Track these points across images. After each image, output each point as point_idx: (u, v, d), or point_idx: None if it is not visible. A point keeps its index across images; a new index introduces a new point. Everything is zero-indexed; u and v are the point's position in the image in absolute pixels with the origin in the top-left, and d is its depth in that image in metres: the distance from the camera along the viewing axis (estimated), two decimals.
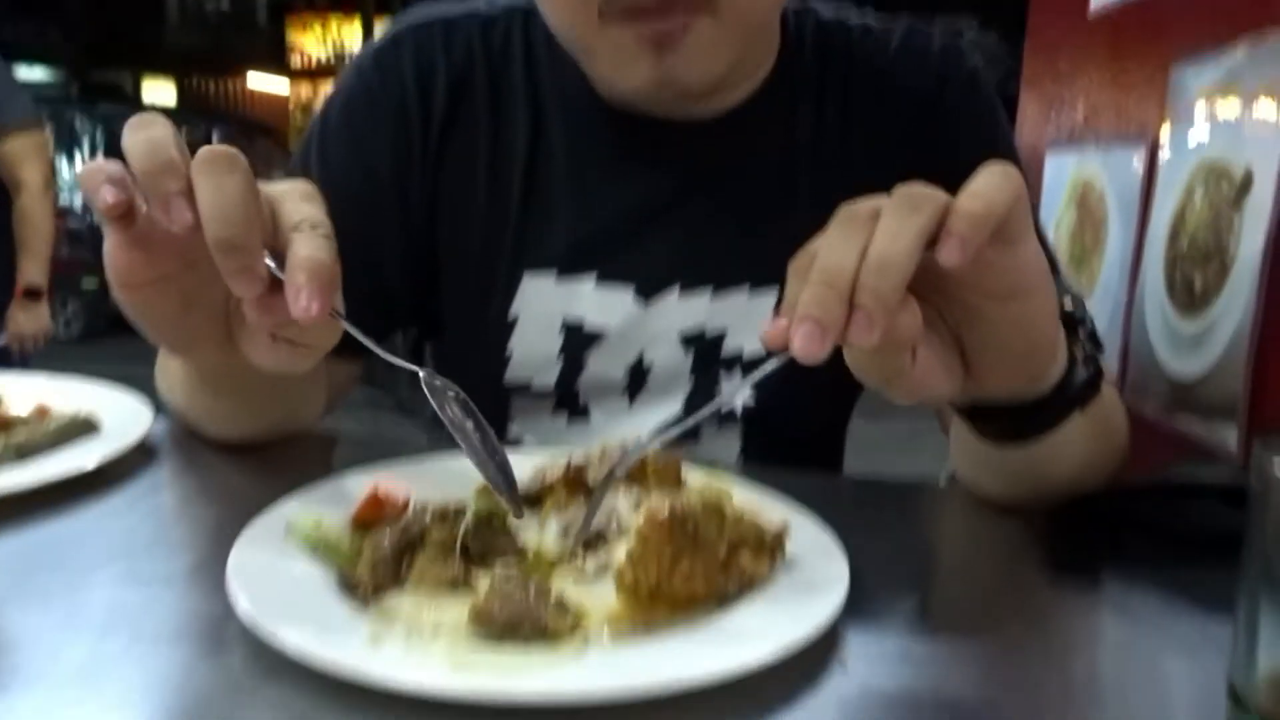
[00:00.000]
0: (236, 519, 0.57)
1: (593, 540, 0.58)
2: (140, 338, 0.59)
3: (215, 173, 0.49)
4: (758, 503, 0.61)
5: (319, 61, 18.61)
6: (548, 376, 0.87)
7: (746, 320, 0.86)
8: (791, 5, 0.89)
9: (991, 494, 0.71)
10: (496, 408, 0.90)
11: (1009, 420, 0.60)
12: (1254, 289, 0.71)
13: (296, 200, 0.54)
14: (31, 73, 16.42)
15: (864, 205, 0.48)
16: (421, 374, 0.57)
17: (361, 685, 0.42)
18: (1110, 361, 0.95)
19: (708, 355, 0.87)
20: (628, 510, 0.59)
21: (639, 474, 0.63)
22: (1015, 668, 0.49)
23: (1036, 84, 1.23)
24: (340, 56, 18.27)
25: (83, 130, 7.87)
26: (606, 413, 0.89)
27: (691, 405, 0.88)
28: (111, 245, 0.53)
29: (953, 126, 0.85)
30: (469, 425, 0.57)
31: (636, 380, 0.88)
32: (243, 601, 0.47)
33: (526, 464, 0.67)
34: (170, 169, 0.49)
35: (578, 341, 0.86)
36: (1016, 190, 0.47)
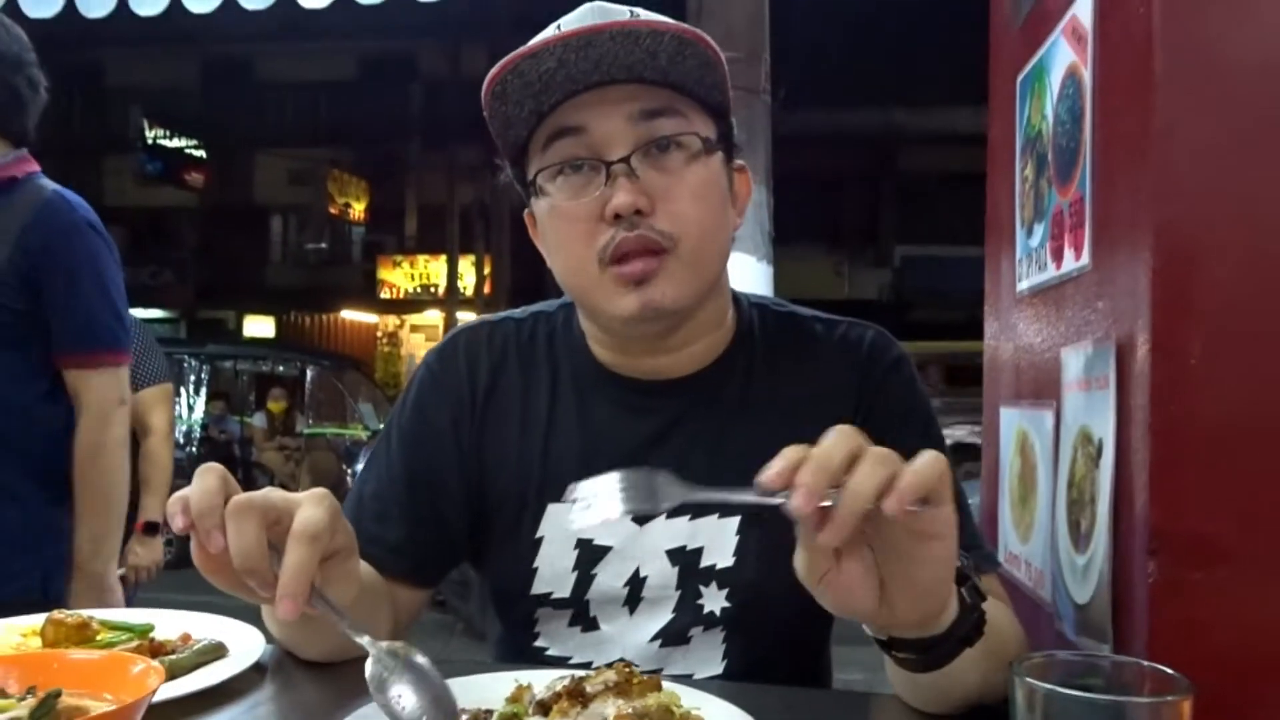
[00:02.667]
0: None
1: None
2: None
3: (238, 519, 0.75)
4: (715, 712, 0.80)
5: (405, 293, 19.97)
6: (565, 588, 1.10)
7: (718, 539, 1.09)
8: (750, 297, 1.18)
9: (915, 704, 0.90)
10: (525, 619, 1.13)
11: (916, 652, 0.80)
12: (1107, 535, 0.91)
13: (307, 507, 0.78)
14: (146, 313, 17.97)
15: (856, 436, 0.72)
16: (371, 653, 0.78)
17: None
18: (1046, 588, 1.13)
19: (689, 567, 1.09)
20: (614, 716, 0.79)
21: (625, 686, 0.83)
22: None
23: (990, 348, 1.47)
24: (425, 288, 19.58)
25: (189, 371, 8.63)
26: (612, 622, 1.10)
27: (679, 611, 1.09)
28: (193, 546, 0.79)
29: (878, 397, 1.09)
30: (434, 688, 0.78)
31: (635, 590, 1.09)
32: None
33: (543, 678, 0.88)
34: (210, 513, 0.76)
35: (588, 556, 1.10)
36: (942, 470, 0.71)
